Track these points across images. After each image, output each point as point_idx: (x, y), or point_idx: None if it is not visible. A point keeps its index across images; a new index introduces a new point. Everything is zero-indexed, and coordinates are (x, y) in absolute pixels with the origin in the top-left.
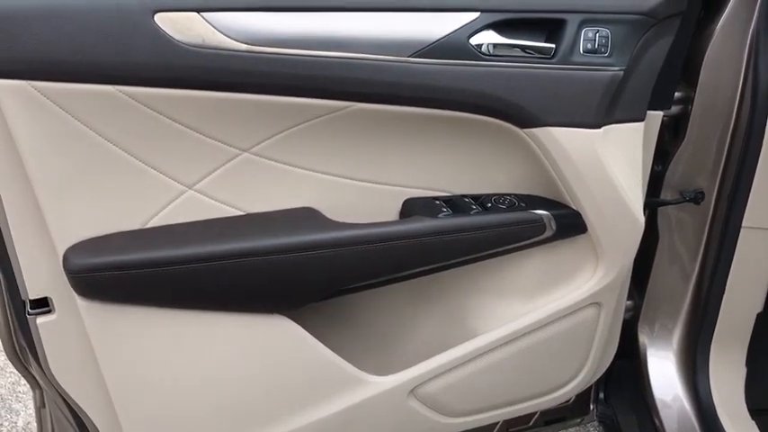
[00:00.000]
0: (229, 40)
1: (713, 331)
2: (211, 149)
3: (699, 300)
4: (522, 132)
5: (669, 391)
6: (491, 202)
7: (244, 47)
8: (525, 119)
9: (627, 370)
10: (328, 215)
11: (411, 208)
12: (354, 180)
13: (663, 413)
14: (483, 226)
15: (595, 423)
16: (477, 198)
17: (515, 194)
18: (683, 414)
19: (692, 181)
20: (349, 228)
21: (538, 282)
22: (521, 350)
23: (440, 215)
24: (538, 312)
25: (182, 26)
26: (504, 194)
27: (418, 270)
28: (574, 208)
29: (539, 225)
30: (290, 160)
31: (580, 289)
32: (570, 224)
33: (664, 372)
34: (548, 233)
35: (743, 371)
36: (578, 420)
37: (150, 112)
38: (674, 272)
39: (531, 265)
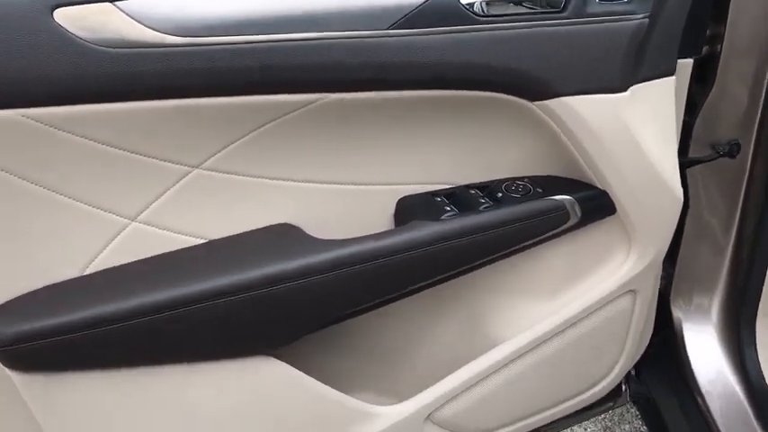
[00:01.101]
0: (155, 32)
1: (758, 302)
2: (153, 171)
3: (739, 266)
4: (533, 106)
5: (712, 368)
6: (502, 191)
7: (175, 39)
8: (536, 90)
9: (660, 345)
10: (310, 231)
11: (407, 209)
12: (337, 184)
13: (706, 393)
14: (496, 224)
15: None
16: (484, 187)
17: (529, 177)
18: (731, 393)
19: (725, 132)
20: (337, 246)
21: (563, 274)
22: (549, 354)
23: (443, 216)
24: (566, 310)
25: (93, 23)
26: (515, 179)
27: (424, 284)
28: (600, 187)
29: (561, 214)
30: (254, 171)
31: (612, 277)
32: (597, 206)
33: (704, 348)
34: (572, 221)
35: None
36: (611, 404)
37: (66, 135)
38: (708, 237)
39: (554, 256)
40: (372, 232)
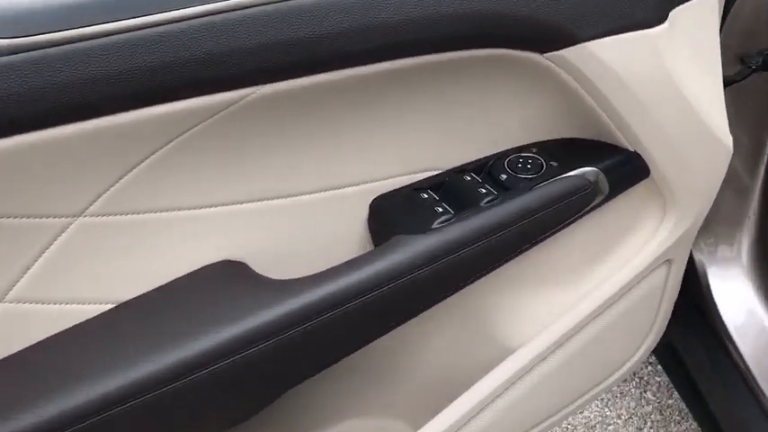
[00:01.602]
0: None
1: None
2: (16, 233)
3: None
4: (543, 59)
5: (742, 313)
6: (505, 171)
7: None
8: (546, 39)
9: (681, 293)
10: (260, 267)
11: (386, 214)
12: (290, 197)
13: (739, 339)
14: (504, 223)
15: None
16: (480, 167)
17: (537, 145)
18: (766, 338)
19: (756, 41)
20: (298, 289)
21: (585, 255)
22: (576, 349)
23: (434, 224)
24: (591, 298)
25: None
26: (521, 149)
27: (418, 311)
28: (629, 148)
29: (587, 193)
30: (161, 203)
31: (645, 249)
32: (628, 173)
33: (733, 291)
34: (599, 198)
35: None
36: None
37: None
38: (731, 174)
39: (573, 236)
40: (341, 253)
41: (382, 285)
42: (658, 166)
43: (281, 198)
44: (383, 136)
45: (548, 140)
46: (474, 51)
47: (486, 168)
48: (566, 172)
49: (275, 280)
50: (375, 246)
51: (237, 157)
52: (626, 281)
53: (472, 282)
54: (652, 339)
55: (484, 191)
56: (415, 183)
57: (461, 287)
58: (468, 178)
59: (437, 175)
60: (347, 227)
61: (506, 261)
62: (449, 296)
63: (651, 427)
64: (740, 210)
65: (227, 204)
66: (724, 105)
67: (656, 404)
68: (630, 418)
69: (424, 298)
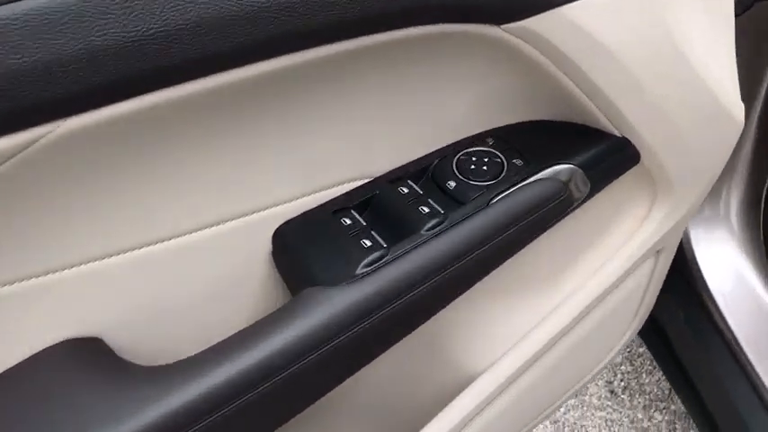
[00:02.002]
0: None
1: None
2: None
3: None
4: (503, 32)
5: (730, 279)
6: (454, 175)
7: None
8: (506, 7)
9: None
10: (120, 345)
11: (295, 253)
12: (155, 244)
13: (725, 307)
14: (453, 255)
15: None
16: (423, 171)
17: (498, 132)
18: (759, 306)
19: None
20: (169, 380)
21: (563, 254)
22: (559, 355)
23: (359, 268)
24: (575, 299)
25: None
26: (473, 142)
27: (339, 381)
28: (617, 133)
29: (562, 200)
30: None
31: (631, 243)
32: (614, 163)
33: (720, 255)
34: (578, 198)
35: None
36: None
37: None
38: None
39: (549, 237)
40: (238, 312)
41: (289, 364)
42: (652, 151)
43: (142, 248)
44: (287, 141)
45: (508, 126)
46: (409, 31)
47: (429, 173)
48: (533, 173)
49: (141, 367)
50: (289, 288)
51: (55, 204)
52: (608, 282)
53: (411, 331)
54: (636, 326)
55: (426, 209)
56: (335, 200)
57: (397, 341)
58: (405, 190)
59: (364, 186)
60: (244, 273)
61: (460, 295)
62: (385, 351)
63: (622, 380)
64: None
65: (60, 271)
66: (736, 67)
67: (626, 354)
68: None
69: (349, 364)
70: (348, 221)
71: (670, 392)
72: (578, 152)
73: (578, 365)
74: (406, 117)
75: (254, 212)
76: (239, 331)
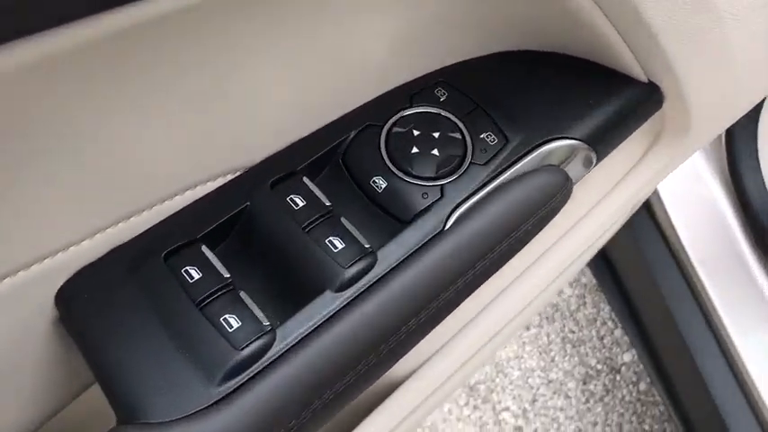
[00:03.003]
0: None
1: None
2: None
3: None
4: None
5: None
6: (382, 163)
7: None
8: None
9: None
10: None
11: (89, 336)
12: None
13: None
14: (392, 326)
15: None
16: (324, 160)
17: (451, 73)
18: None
19: None
20: None
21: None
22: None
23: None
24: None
25: None
26: (413, 94)
27: None
28: (641, 77)
29: (562, 192)
30: None
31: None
32: (631, 120)
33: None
34: (578, 179)
35: None
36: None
37: None
38: None
39: None
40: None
41: None
42: (684, 97)
43: None
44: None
45: (469, 64)
46: None
47: (338, 160)
48: (515, 159)
49: None
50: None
51: None
52: (584, 245)
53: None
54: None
55: (338, 242)
56: (167, 227)
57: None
58: (299, 202)
59: (221, 195)
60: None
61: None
62: None
63: None
64: None
65: None
66: None
67: None
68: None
69: None
70: (195, 274)
71: None
72: (584, 115)
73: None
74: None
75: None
76: None
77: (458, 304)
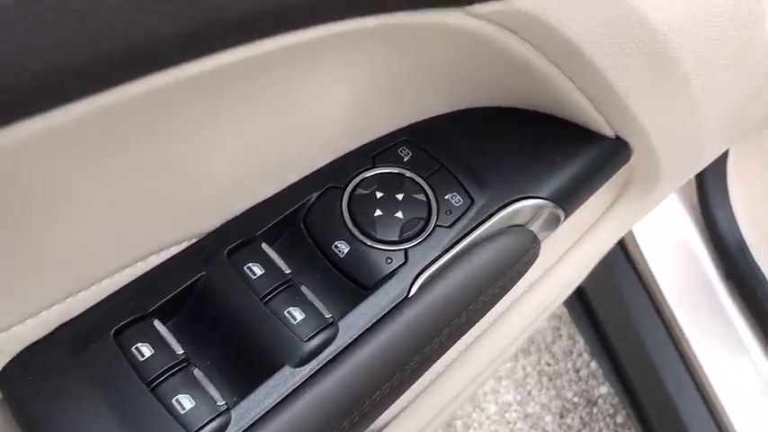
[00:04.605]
0: None
1: None
2: None
3: None
4: (470, 19)
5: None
6: (344, 227)
7: None
8: None
9: None
10: None
11: (32, 422)
12: None
13: (647, 253)
14: (355, 398)
15: None
16: (283, 225)
17: (416, 132)
18: (689, 247)
19: None
20: None
21: None
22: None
23: None
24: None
25: None
26: (377, 154)
27: None
28: (608, 133)
29: (529, 253)
30: None
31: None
32: (600, 175)
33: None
34: (545, 237)
35: None
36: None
37: None
38: None
39: None
40: None
41: None
42: (654, 152)
43: None
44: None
45: (435, 121)
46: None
47: (299, 224)
48: (481, 215)
49: None
50: None
51: None
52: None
53: None
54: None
55: (298, 313)
56: (117, 299)
57: None
58: (257, 271)
59: (174, 265)
60: None
61: None
62: None
63: None
64: None
65: None
66: None
67: None
68: None
69: None
70: (146, 351)
71: None
72: (552, 172)
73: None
74: (242, 123)
75: None
76: None
77: (423, 372)
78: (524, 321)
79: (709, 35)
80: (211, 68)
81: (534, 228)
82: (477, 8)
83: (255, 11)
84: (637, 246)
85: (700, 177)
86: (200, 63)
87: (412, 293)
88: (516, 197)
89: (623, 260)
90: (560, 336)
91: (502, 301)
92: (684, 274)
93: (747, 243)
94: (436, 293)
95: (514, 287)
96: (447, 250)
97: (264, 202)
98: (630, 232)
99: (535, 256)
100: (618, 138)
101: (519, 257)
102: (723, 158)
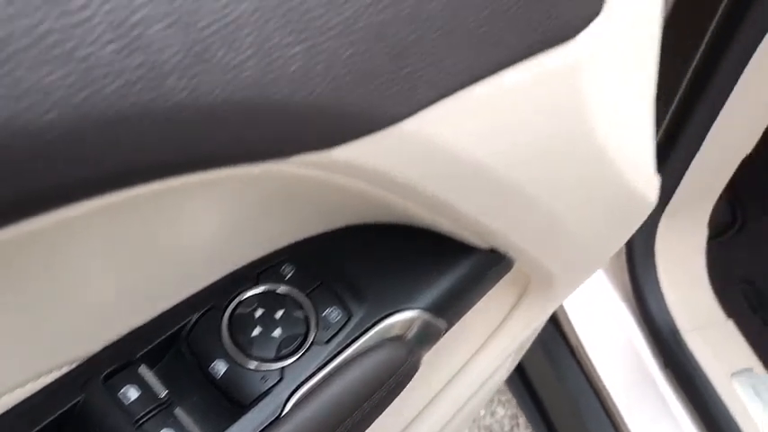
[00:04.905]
0: None
1: (666, 201)
2: None
3: None
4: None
5: (593, 313)
6: (222, 348)
7: None
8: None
9: None
10: None
11: None
12: None
13: (586, 343)
14: None
15: None
16: (166, 346)
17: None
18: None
19: None
20: None
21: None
22: None
23: None
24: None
25: None
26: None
27: None
28: (480, 244)
29: (406, 365)
30: None
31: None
32: (478, 285)
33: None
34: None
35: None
36: None
37: None
38: None
39: None
40: None
41: None
42: (533, 257)
43: None
44: None
45: (317, 240)
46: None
47: (181, 344)
48: (357, 330)
49: None
50: None
51: None
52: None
53: None
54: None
55: None
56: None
57: None
58: (132, 396)
59: (51, 393)
60: None
61: None
62: None
63: None
64: None
65: None
66: (652, 135)
67: None
68: None
69: None
70: None
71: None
72: (428, 284)
73: None
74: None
75: None
76: None
77: None
78: (442, 420)
79: (546, 166)
80: (75, 214)
81: (415, 338)
82: (293, 159)
83: (120, 170)
84: (578, 339)
85: (630, 266)
86: (58, 212)
87: (285, 412)
88: (391, 310)
89: (563, 346)
90: (518, 424)
91: (405, 414)
92: (626, 365)
93: (681, 330)
94: (308, 411)
95: (417, 396)
96: (321, 367)
97: (147, 324)
98: (570, 323)
99: (414, 367)
100: (493, 250)
101: (394, 370)
102: (651, 245)
